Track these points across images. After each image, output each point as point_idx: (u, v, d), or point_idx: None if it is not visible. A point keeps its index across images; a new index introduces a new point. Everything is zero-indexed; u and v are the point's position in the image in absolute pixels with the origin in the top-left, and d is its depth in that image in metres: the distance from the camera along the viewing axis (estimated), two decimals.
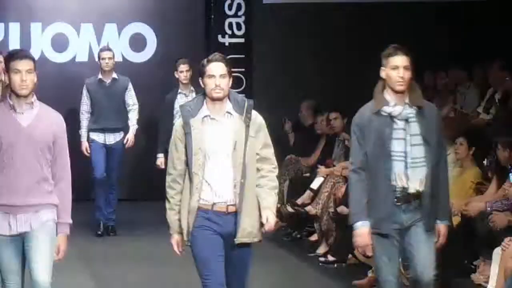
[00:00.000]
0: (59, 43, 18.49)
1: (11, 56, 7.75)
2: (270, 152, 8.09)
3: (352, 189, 8.17)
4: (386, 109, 7.89)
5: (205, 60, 7.97)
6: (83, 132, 13.95)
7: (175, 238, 7.95)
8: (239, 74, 16.52)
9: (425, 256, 8.02)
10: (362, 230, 7.95)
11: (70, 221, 7.80)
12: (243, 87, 16.93)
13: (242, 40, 18.26)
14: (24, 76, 7.48)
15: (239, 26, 18.24)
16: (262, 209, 7.83)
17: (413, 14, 18.87)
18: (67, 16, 18.55)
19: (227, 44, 18.16)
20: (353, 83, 16.10)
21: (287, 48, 8.89)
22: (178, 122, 8.20)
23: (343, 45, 16.89)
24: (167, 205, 7.97)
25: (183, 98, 13.82)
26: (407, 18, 18.78)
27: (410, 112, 7.91)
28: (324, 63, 17.61)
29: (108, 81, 13.85)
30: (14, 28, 18.44)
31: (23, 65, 7.53)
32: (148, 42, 18.80)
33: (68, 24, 18.52)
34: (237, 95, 8.40)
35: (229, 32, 18.24)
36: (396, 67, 7.82)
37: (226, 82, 7.88)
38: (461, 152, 11.69)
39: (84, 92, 13.96)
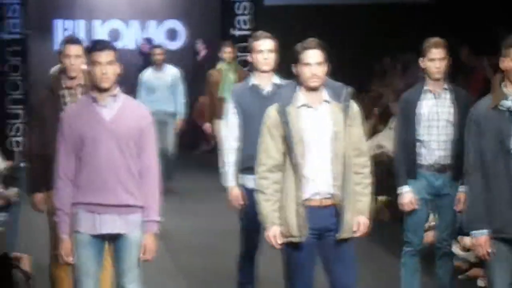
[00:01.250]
0: (113, 36, 20.25)
1: (91, 48, 7.21)
2: (364, 144, 7.50)
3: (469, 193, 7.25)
4: (506, 103, 6.97)
5: (300, 46, 7.15)
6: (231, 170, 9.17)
7: (273, 230, 7.10)
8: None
9: None
10: (481, 239, 6.99)
11: (158, 218, 7.21)
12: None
13: (248, 32, 18.81)
14: (105, 68, 6.94)
15: (245, 22, 19.32)
16: (355, 212, 7.19)
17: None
18: (119, 14, 20.49)
19: (236, 35, 19.26)
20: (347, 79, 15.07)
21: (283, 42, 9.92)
22: (271, 108, 7.17)
23: (337, 43, 14.00)
24: (262, 197, 7.16)
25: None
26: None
27: None
28: None
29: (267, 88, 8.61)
30: (81, 25, 20.45)
31: (103, 56, 6.95)
32: (178, 34, 20.84)
33: (119, 20, 20.61)
34: (334, 82, 7.47)
35: (238, 26, 19.32)
36: None
37: (322, 70, 7.10)
38: None
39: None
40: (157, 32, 20.92)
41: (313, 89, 7.06)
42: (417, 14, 19.54)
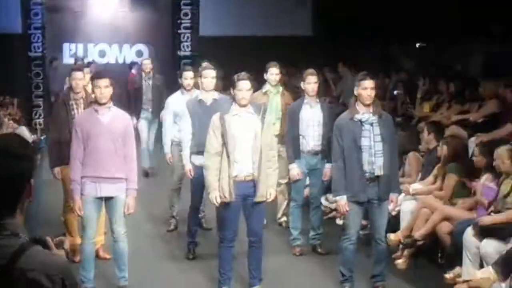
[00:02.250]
0: (101, 54, 19.94)
1: (94, 77, 7.23)
2: (273, 142, 7.43)
3: (334, 172, 7.39)
4: (358, 116, 7.17)
5: (236, 77, 7.12)
6: (186, 153, 8.59)
7: (214, 193, 7.02)
8: None
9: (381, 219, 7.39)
10: (341, 201, 7.21)
11: (136, 187, 7.19)
12: None
13: (189, 54, 18.76)
14: (103, 90, 6.96)
15: (188, 47, 18.87)
16: (267, 186, 7.14)
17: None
18: (105, 39, 19.91)
19: (182, 55, 18.68)
20: None
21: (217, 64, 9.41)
22: (215, 115, 7.15)
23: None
24: (208, 172, 7.16)
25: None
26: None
27: (374, 118, 7.17)
28: None
29: (209, 101, 8.41)
30: (80, 46, 19.86)
31: (102, 82, 6.97)
32: (144, 54, 19.79)
33: (105, 43, 20.02)
34: (255, 103, 7.71)
35: (183, 49, 18.84)
36: (366, 88, 7.11)
37: (250, 94, 7.17)
38: None
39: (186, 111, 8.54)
40: (130, 52, 20.45)
41: (243, 106, 7.11)
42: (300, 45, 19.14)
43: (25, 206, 2.80)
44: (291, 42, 19.06)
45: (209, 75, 8.53)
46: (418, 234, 8.29)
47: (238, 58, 11.50)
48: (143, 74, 13.36)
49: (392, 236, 8.48)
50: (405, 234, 8.48)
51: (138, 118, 12.99)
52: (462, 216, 8.03)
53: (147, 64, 13.44)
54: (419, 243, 8.32)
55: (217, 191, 7.06)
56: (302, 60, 16.64)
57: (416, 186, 9.02)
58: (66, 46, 19.96)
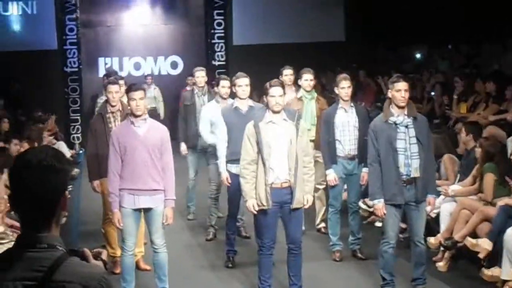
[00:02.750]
0: (136, 67, 20.15)
1: (129, 89, 7.16)
2: (309, 148, 7.49)
3: (370, 176, 7.37)
4: (392, 119, 7.15)
5: (268, 84, 7.15)
6: (223, 161, 8.58)
7: (251, 202, 7.05)
8: None
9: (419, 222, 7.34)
10: (379, 205, 7.19)
11: (174, 197, 7.20)
12: None
13: (224, 63, 18.92)
14: (138, 102, 6.98)
15: (222, 56, 19.02)
16: (304, 192, 7.14)
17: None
18: (139, 52, 20.14)
19: (217, 65, 18.77)
20: None
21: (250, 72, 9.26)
22: (249, 123, 7.16)
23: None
24: (244, 180, 7.13)
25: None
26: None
27: (409, 120, 7.14)
28: None
29: (244, 109, 8.52)
30: (115, 60, 20.01)
31: (137, 94, 6.98)
32: (178, 65, 20.33)
33: (140, 56, 20.20)
34: (290, 108, 7.81)
35: (217, 59, 18.99)
36: (399, 90, 7.09)
37: (283, 100, 7.14)
38: None
39: (221, 119, 8.58)
40: (164, 64, 20.59)
41: (276, 112, 7.09)
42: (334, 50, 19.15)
43: (61, 219, 2.81)
44: (325, 48, 19.11)
45: (243, 83, 8.57)
46: (458, 235, 8.23)
47: (271, 66, 11.42)
48: (195, 88, 10.89)
49: (432, 240, 8.46)
50: (445, 236, 8.42)
51: (189, 145, 10.76)
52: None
53: (201, 76, 10.82)
54: (460, 245, 8.26)
55: (254, 198, 7.06)
56: (336, 65, 16.79)
57: (455, 187, 8.95)
58: (101, 60, 20.15)
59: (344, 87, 8.73)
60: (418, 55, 18.22)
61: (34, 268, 2.61)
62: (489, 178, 8.43)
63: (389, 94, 7.29)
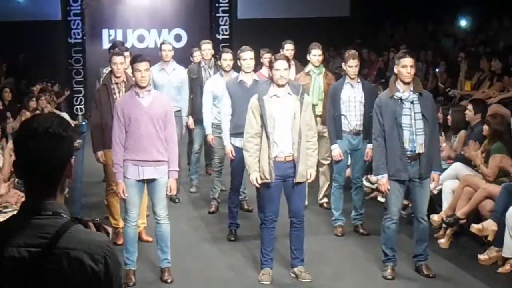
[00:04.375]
0: (140, 39, 20.18)
1: (134, 60, 7.12)
2: (313, 122, 7.38)
3: (375, 151, 7.36)
4: (398, 94, 7.10)
5: (273, 57, 7.17)
6: (227, 134, 8.57)
7: (254, 175, 7.03)
8: None
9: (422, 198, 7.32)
10: (383, 181, 7.18)
11: (178, 168, 7.21)
12: None
13: (228, 37, 19.19)
14: (143, 73, 6.92)
15: (226, 30, 19.30)
16: (307, 166, 7.13)
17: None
18: (143, 25, 20.17)
19: (220, 38, 18.99)
20: None
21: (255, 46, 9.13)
22: (253, 97, 7.13)
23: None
24: (247, 153, 7.12)
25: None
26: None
27: (414, 96, 7.10)
28: None
29: (249, 83, 8.46)
30: (119, 32, 19.98)
31: (142, 66, 6.92)
32: (182, 38, 20.25)
33: (144, 29, 20.23)
34: (294, 81, 7.77)
35: (221, 32, 19.29)
36: (405, 66, 7.02)
37: (287, 73, 7.08)
38: None
39: (225, 92, 8.51)
40: (169, 36, 20.40)
41: (281, 86, 7.05)
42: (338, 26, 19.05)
43: (66, 187, 2.80)
44: (329, 23, 19.06)
45: (248, 56, 8.54)
46: (460, 212, 8.22)
47: (275, 40, 11.38)
48: (202, 61, 10.83)
49: (435, 217, 8.45)
50: (448, 214, 8.40)
51: (196, 119, 10.62)
52: None
53: (207, 49, 10.81)
54: (462, 221, 8.25)
55: (257, 172, 7.03)
56: (340, 40, 16.72)
57: (459, 164, 8.91)
58: (105, 32, 20.11)
59: (352, 65, 8.67)
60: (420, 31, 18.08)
61: (38, 235, 2.60)
62: (496, 159, 8.35)
63: (395, 70, 7.25)
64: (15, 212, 2.79)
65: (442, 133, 9.56)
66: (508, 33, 14.33)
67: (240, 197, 9.30)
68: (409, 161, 7.14)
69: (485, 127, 8.62)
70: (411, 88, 7.15)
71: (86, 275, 2.58)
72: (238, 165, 8.30)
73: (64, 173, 2.72)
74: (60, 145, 2.68)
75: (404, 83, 7.13)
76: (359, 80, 8.82)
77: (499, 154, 8.33)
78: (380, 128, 7.20)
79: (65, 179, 2.75)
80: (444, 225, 8.49)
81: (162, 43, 10.65)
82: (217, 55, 10.94)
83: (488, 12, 15.57)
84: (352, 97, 8.69)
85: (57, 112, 14.45)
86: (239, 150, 8.04)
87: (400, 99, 7.12)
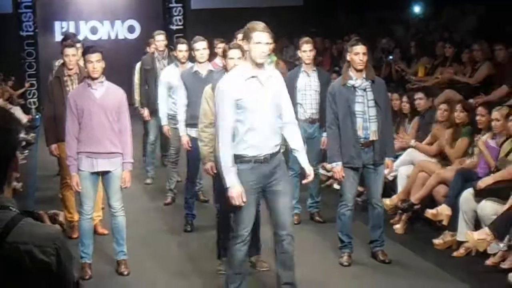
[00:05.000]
0: (93, 31, 20.04)
1: (86, 51, 7.09)
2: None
3: (329, 139, 7.39)
4: (351, 82, 7.12)
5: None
6: (182, 125, 8.57)
7: (209, 164, 6.95)
8: None
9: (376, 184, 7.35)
10: (337, 168, 7.20)
11: (132, 160, 7.14)
12: None
13: (182, 27, 19.01)
14: (95, 65, 6.87)
15: (179, 20, 19.11)
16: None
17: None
18: (97, 16, 20.02)
19: (174, 29, 18.79)
20: None
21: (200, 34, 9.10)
22: (207, 86, 7.10)
23: None
24: (202, 143, 7.02)
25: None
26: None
27: (367, 84, 7.13)
28: None
29: (204, 73, 8.41)
30: (71, 24, 19.83)
31: (94, 57, 6.87)
32: (135, 29, 20.23)
33: (97, 20, 20.07)
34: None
35: (175, 23, 19.07)
36: (358, 53, 7.04)
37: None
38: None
39: (180, 82, 8.51)
40: (122, 28, 20.43)
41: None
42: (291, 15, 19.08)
43: (13, 181, 2.73)
44: (283, 13, 18.97)
45: (201, 46, 8.57)
46: (415, 198, 8.31)
47: (229, 30, 11.29)
48: (156, 52, 10.77)
49: (388, 201, 8.48)
50: (402, 198, 8.49)
51: (151, 110, 10.68)
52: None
53: (161, 40, 10.74)
54: (416, 207, 8.34)
55: (212, 161, 6.94)
56: (294, 30, 16.71)
57: (413, 150, 9.03)
58: (57, 24, 19.90)
59: (306, 50, 8.65)
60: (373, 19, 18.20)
61: None
62: (464, 142, 8.40)
63: (348, 58, 7.27)
64: None
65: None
66: (462, 20, 14.48)
67: (196, 188, 9.28)
68: (362, 148, 7.17)
69: (461, 113, 8.45)
70: (364, 76, 7.17)
71: (38, 268, 2.54)
72: (194, 156, 8.17)
73: (10, 166, 2.67)
74: (5, 137, 2.64)
75: (357, 70, 7.14)
76: (314, 69, 8.82)
77: (467, 138, 8.37)
78: (334, 116, 7.21)
79: (12, 173, 2.69)
80: (399, 211, 8.57)
81: (177, 42, 9.85)
82: (171, 46, 10.93)
83: (438, 2, 15.68)
84: (308, 85, 8.68)
85: (9, 105, 14.36)
86: (195, 141, 7.98)
87: (353, 86, 7.14)
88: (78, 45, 9.09)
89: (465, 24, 14.05)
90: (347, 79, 7.18)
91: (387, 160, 7.37)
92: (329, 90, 7.37)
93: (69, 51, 8.27)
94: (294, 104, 8.43)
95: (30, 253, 2.54)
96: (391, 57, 13.91)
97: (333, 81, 7.89)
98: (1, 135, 2.63)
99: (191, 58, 9.15)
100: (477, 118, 8.18)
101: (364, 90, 7.13)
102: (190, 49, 8.86)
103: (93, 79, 7.01)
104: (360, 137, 7.15)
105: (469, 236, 7.16)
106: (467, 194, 7.57)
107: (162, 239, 8.53)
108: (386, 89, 7.60)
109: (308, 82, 8.70)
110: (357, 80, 7.15)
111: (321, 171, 9.99)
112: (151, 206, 9.97)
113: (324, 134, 8.48)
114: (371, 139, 7.16)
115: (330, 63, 15.37)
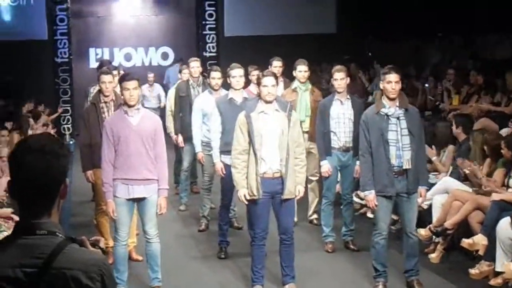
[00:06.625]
0: (127, 58, 20.46)
1: (123, 79, 7.13)
2: (301, 139, 7.36)
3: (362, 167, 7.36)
4: (384, 110, 7.13)
5: (260, 74, 7.22)
6: (216, 151, 8.57)
7: (242, 191, 7.08)
8: None
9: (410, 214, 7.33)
10: (370, 197, 7.18)
11: (167, 187, 7.22)
12: None
13: (215, 55, 19.24)
14: (132, 92, 6.93)
15: (213, 47, 19.34)
16: (295, 183, 7.16)
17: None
18: (130, 43, 20.43)
19: (207, 56, 19.00)
20: None
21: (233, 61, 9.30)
22: (241, 114, 7.17)
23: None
24: (235, 170, 7.15)
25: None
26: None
27: (400, 112, 7.13)
28: None
29: (239, 100, 8.51)
30: (105, 51, 20.26)
31: (130, 84, 6.93)
32: (169, 55, 20.57)
33: (131, 47, 20.50)
34: (281, 98, 7.86)
35: (208, 50, 19.31)
36: (390, 82, 7.06)
37: (275, 90, 7.13)
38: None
39: (215, 109, 8.55)
40: (155, 55, 20.71)
41: (269, 102, 7.09)
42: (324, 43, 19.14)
43: (61, 206, 2.79)
44: (316, 40, 19.15)
45: (237, 73, 8.58)
46: (449, 223, 8.27)
47: (262, 57, 11.39)
48: (190, 79, 10.80)
49: (422, 232, 8.45)
50: (436, 226, 8.44)
51: (185, 137, 10.68)
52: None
53: (196, 67, 10.74)
54: (450, 232, 8.30)
55: (245, 188, 7.04)
56: (327, 57, 16.76)
57: (448, 179, 8.96)
58: (92, 51, 20.24)
59: (337, 78, 8.70)
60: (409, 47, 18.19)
61: (34, 255, 2.59)
62: (501, 174, 8.36)
63: (381, 86, 7.31)
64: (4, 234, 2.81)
65: (433, 146, 9.62)
66: (493, 49, 14.39)
67: (230, 215, 9.28)
68: (396, 176, 7.16)
69: (483, 146, 8.51)
70: (397, 104, 7.19)
71: None
72: (228, 182, 8.16)
73: (58, 191, 2.72)
74: (56, 163, 2.69)
75: (390, 98, 7.16)
76: (348, 97, 8.83)
77: (503, 169, 8.35)
78: (367, 144, 7.21)
79: (60, 199, 2.74)
80: (433, 239, 8.53)
81: (211, 70, 9.92)
82: (205, 73, 11.04)
83: (473, 28, 15.64)
84: (341, 113, 8.71)
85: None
86: (229, 167, 7.96)
87: (386, 115, 7.16)
88: (114, 72, 9.19)
89: (499, 52, 13.94)
90: (380, 107, 7.20)
91: (421, 189, 7.34)
92: (362, 118, 7.37)
93: (106, 78, 8.34)
94: (328, 132, 8.64)
95: (76, 279, 2.58)
96: (426, 85, 13.83)
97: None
98: (55, 160, 2.68)
99: (225, 85, 9.18)
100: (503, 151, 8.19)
101: (398, 118, 7.13)
102: (224, 76, 8.88)
103: (130, 106, 7.07)
104: (394, 166, 7.15)
105: (507, 267, 7.09)
106: (504, 223, 7.49)
107: (196, 266, 8.53)
108: (419, 117, 7.59)
109: (342, 110, 8.72)
110: (390, 108, 7.16)
111: (355, 199, 10.00)
112: (185, 232, 9.99)
113: (358, 163, 8.41)
114: (404, 167, 7.15)
115: (363, 91, 15.30)
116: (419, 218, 7.74)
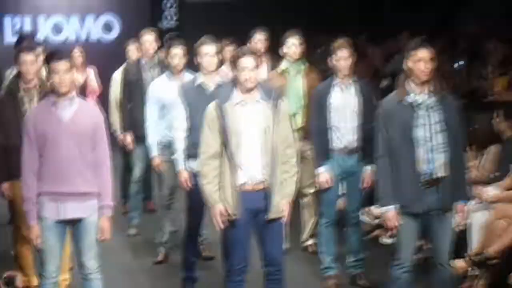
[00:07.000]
0: (57, 29, 20.01)
1: (50, 58, 7.06)
2: (291, 137, 7.33)
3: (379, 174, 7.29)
4: (409, 99, 7.05)
5: (236, 53, 7.18)
6: (181, 156, 8.54)
7: (216, 207, 7.02)
8: None
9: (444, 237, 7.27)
10: (390, 214, 7.10)
11: (112, 203, 7.14)
12: None
13: (176, 25, 19.43)
14: (62, 76, 6.87)
15: (171, 17, 19.59)
16: (282, 197, 7.08)
17: None
18: (61, 9, 20.02)
19: (164, 28, 19.00)
20: None
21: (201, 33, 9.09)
22: (210, 105, 7.10)
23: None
24: (204, 180, 7.08)
25: None
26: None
27: (432, 101, 7.04)
28: None
29: (211, 86, 8.39)
30: (26, 20, 19.78)
31: (61, 65, 6.88)
32: (113, 27, 20.27)
33: (61, 15, 20.03)
34: (265, 83, 7.86)
35: (165, 20, 19.52)
36: (420, 60, 6.95)
37: (256, 74, 7.03)
38: None
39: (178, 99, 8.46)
40: (94, 25, 20.51)
41: (248, 90, 7.01)
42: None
43: None
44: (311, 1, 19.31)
45: (210, 50, 8.47)
46: (491, 249, 8.26)
47: (239, 28, 11.37)
48: (142, 59, 10.99)
49: (458, 264, 8.43)
50: (475, 254, 8.46)
51: (136, 136, 10.84)
52: None
53: (149, 41, 10.95)
54: (493, 261, 8.27)
55: (220, 204, 6.99)
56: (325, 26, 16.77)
57: (492, 190, 8.95)
58: (7, 20, 20.00)
59: (340, 58, 8.62)
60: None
61: None
62: None
63: (405, 66, 7.14)
64: None
65: (468, 147, 9.60)
66: None
67: (198, 241, 9.13)
68: (425, 187, 7.06)
69: None
70: (429, 90, 7.10)
71: None
72: (197, 197, 7.81)
73: None
74: None
75: (420, 83, 7.06)
76: (351, 81, 8.77)
77: None
78: (386, 144, 7.13)
79: None
80: (471, 272, 8.49)
81: (170, 45, 9.77)
82: (163, 49, 10.93)
83: None
84: (344, 103, 8.69)
85: None
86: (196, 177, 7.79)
87: (412, 104, 7.06)
88: (39, 49, 9.07)
89: None
90: (404, 95, 7.09)
91: (459, 205, 7.23)
92: (379, 109, 7.29)
93: (27, 57, 8.29)
94: (326, 128, 8.63)
95: None
96: (456, 64, 13.90)
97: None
98: None
99: (190, 66, 9.23)
100: None
101: (428, 109, 7.05)
102: (189, 53, 8.85)
103: (60, 95, 7.00)
104: (422, 173, 7.04)
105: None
106: None
107: None
108: (459, 109, 7.50)
109: (344, 99, 8.71)
110: (418, 96, 7.06)
111: (365, 218, 9.98)
112: (136, 265, 10.00)
113: (367, 168, 8.53)
114: (437, 175, 7.04)
115: (370, 73, 15.21)
116: (454, 243, 7.59)
